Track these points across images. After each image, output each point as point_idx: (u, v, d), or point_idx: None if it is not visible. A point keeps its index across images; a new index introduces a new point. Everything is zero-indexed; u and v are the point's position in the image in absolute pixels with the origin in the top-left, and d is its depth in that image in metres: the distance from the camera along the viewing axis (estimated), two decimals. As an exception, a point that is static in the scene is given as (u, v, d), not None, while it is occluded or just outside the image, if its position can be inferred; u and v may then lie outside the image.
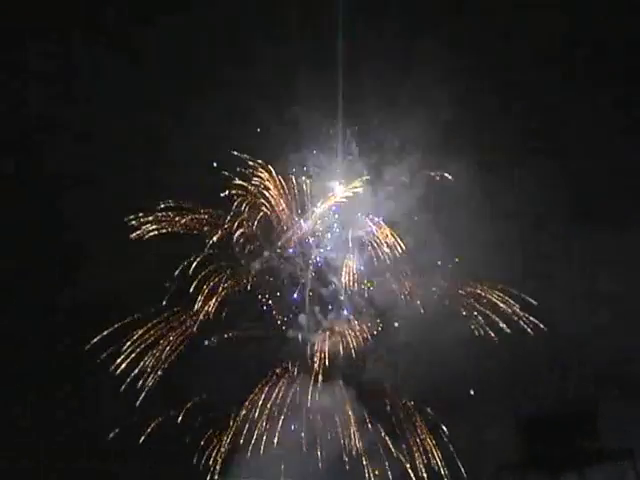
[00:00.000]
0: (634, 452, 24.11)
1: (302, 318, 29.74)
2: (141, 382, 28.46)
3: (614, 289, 27.56)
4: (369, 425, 28.84)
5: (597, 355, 27.20)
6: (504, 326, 28.46)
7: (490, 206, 28.32)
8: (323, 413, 28.98)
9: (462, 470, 27.78)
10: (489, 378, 28.89)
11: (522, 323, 28.45)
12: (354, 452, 28.73)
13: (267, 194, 29.70)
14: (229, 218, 29.48)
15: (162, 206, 29.58)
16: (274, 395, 28.74)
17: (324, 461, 28.58)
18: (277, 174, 29.50)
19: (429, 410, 28.61)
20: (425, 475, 28.31)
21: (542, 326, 28.05)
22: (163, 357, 28.92)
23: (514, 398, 28.26)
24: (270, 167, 29.45)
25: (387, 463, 28.48)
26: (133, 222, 29.54)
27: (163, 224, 29.95)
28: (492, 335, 28.11)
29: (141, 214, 29.42)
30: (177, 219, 29.85)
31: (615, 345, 26.99)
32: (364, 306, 29.53)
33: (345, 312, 29.42)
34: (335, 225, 29.81)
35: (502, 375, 28.85)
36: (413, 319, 28.71)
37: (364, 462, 28.52)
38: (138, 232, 29.32)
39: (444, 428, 28.17)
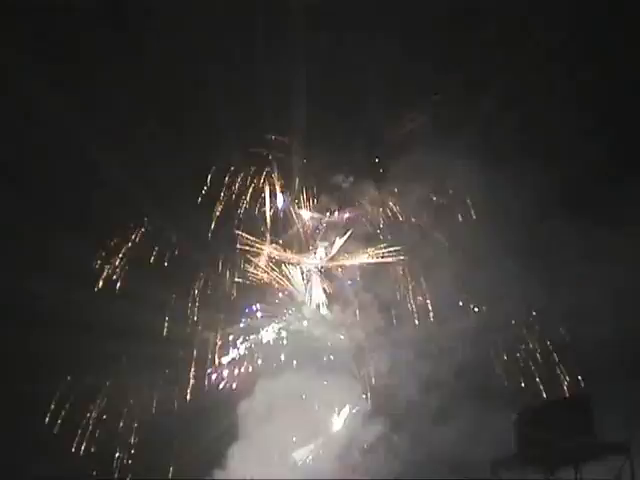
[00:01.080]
0: (630, 447, 24.56)
1: (306, 311, 30.15)
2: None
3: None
4: (372, 417, 29.34)
5: (596, 351, 27.89)
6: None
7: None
8: (327, 406, 29.33)
9: (460, 464, 28.27)
10: (489, 373, 29.56)
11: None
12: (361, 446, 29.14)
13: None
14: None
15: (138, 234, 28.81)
16: (279, 388, 29.02)
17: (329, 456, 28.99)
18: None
19: (430, 405, 29.17)
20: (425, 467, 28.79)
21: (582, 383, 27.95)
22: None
23: (511, 393, 28.87)
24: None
25: (389, 457, 29.08)
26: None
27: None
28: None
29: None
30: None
31: (615, 339, 27.73)
32: (369, 300, 30.02)
33: (349, 305, 29.95)
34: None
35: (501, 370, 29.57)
36: (419, 316, 29.28)
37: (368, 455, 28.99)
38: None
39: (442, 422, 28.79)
